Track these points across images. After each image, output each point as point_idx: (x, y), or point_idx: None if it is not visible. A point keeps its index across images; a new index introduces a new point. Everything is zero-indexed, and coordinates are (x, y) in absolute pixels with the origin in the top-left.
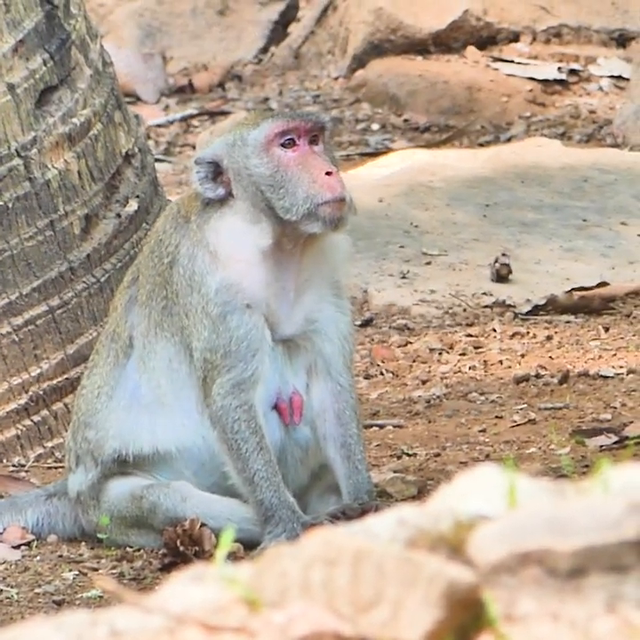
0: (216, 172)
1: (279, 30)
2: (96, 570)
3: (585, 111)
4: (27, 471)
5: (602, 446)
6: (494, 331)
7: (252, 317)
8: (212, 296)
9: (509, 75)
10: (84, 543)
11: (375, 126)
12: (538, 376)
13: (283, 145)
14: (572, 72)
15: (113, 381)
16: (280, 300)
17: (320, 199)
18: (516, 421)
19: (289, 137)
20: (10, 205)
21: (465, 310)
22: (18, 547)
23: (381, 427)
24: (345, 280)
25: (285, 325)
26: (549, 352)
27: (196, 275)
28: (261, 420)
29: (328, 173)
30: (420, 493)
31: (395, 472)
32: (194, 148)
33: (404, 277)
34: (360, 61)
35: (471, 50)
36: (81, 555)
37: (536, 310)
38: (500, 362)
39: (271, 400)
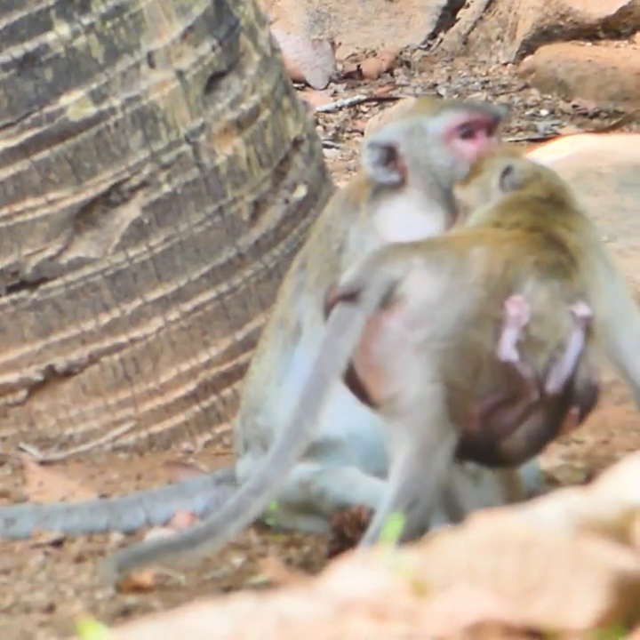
0: (389, 156)
1: (448, 16)
2: (264, 555)
3: None
4: (195, 457)
5: None
6: None
7: None
8: None
9: None
10: (252, 529)
11: (544, 112)
12: None
13: (463, 136)
14: None
15: (282, 367)
16: None
17: None
18: None
19: (469, 129)
20: (179, 192)
21: (633, 297)
22: None
23: None
24: None
25: None
26: None
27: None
28: None
29: None
30: (589, 480)
31: (563, 459)
32: (362, 134)
33: None
34: (529, 47)
35: None
36: (249, 540)
37: None
38: None
39: None
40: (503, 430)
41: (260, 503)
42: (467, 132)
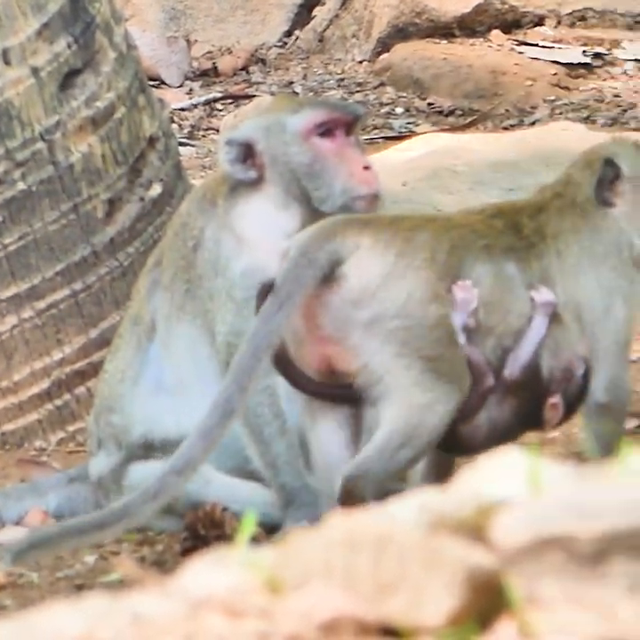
0: (247, 154)
1: (303, 14)
2: (117, 554)
3: (609, 95)
4: (48, 455)
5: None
6: None
7: None
8: (236, 280)
9: (534, 58)
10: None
11: (399, 110)
12: None
13: (321, 134)
14: (597, 56)
15: (136, 365)
16: None
17: (357, 193)
18: None
19: (328, 127)
20: (33, 189)
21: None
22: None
23: None
24: None
25: None
26: None
27: (222, 258)
28: (283, 404)
29: (366, 167)
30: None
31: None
32: (217, 131)
33: None
34: (384, 45)
35: (496, 33)
36: (101, 538)
37: None
38: None
39: None
40: (460, 416)
41: (180, 482)
42: (325, 130)
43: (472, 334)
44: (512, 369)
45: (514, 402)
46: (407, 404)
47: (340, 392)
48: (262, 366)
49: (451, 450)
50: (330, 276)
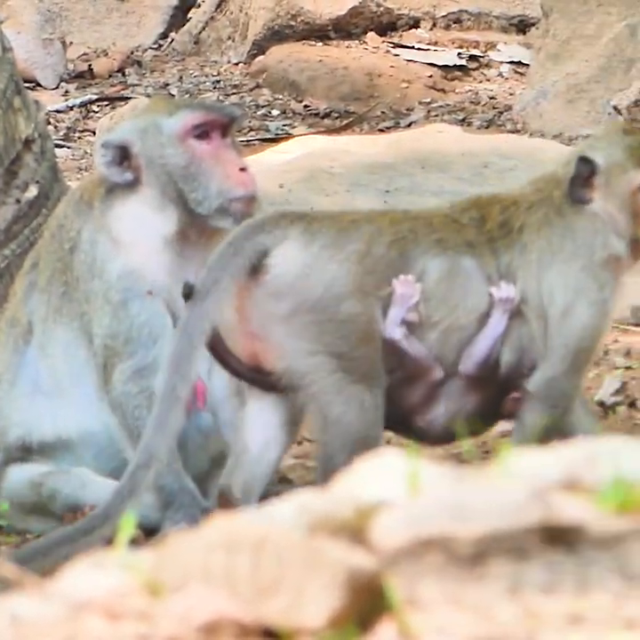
0: (123, 156)
1: (179, 16)
2: None
3: (485, 97)
4: None
5: (503, 432)
6: None
7: (154, 304)
8: (113, 282)
9: (409, 60)
10: None
11: (275, 112)
12: None
13: (198, 136)
14: (472, 58)
15: (14, 368)
16: (180, 287)
17: (233, 194)
18: None
19: (204, 129)
20: None
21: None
22: None
23: None
24: None
25: None
26: None
27: (98, 261)
28: None
29: (242, 169)
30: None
31: (295, 458)
32: (94, 133)
33: None
34: (260, 47)
35: (371, 36)
36: None
37: None
38: None
39: None
40: (412, 408)
41: (150, 474)
42: (202, 132)
43: (415, 328)
44: (466, 364)
45: (473, 396)
46: (325, 410)
47: (271, 381)
48: (199, 353)
49: (421, 440)
50: (257, 268)
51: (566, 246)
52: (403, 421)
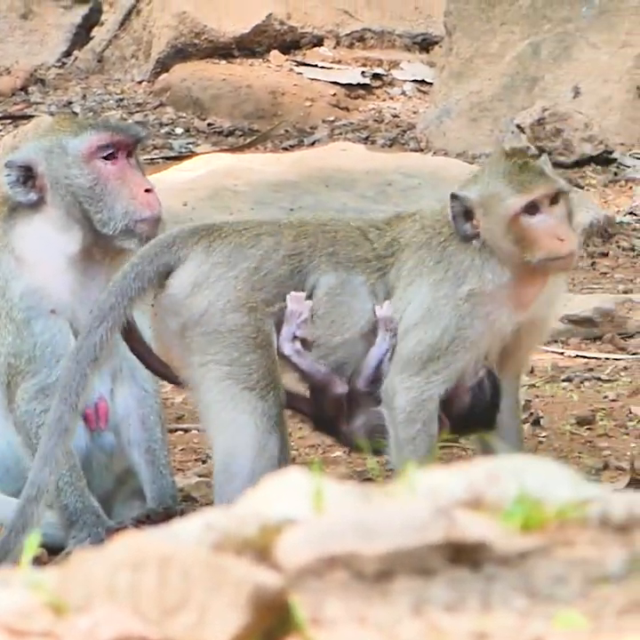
0: (27, 176)
1: (83, 34)
2: None
3: (388, 115)
4: None
5: None
6: None
7: (57, 323)
8: (16, 301)
9: (313, 79)
10: None
11: (179, 130)
12: None
13: (103, 157)
14: (376, 76)
15: None
16: (86, 308)
17: (138, 216)
18: None
19: (109, 150)
20: None
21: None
22: None
23: (186, 431)
24: None
25: None
26: None
27: (1, 279)
28: None
29: (147, 190)
30: None
31: (199, 476)
32: None
33: None
34: (164, 65)
35: (275, 54)
36: None
37: None
38: None
39: None
40: (331, 418)
41: (41, 507)
42: (107, 153)
43: (308, 345)
44: (358, 381)
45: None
46: (218, 417)
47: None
48: (89, 381)
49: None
50: (163, 287)
51: (436, 272)
52: (331, 427)
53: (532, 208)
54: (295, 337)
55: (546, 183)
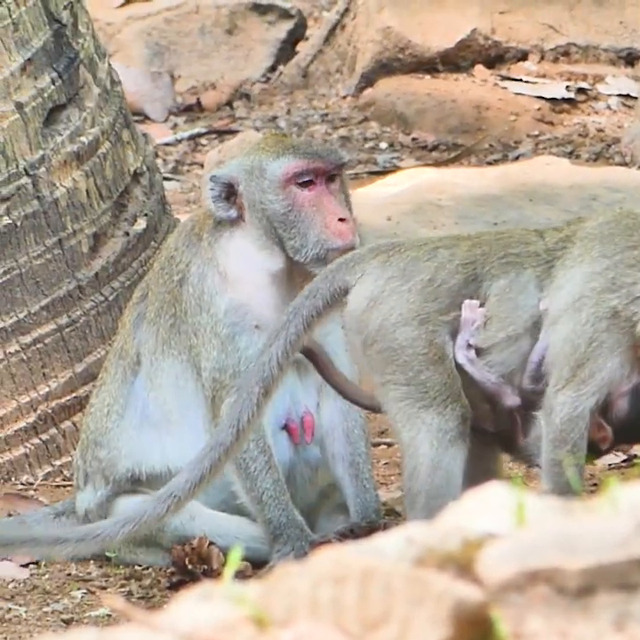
0: (230, 192)
1: (287, 49)
2: (104, 588)
3: (593, 130)
4: (35, 490)
5: (610, 465)
6: None
7: (261, 338)
8: (221, 316)
9: (517, 93)
10: (92, 562)
11: (383, 145)
12: None
13: (300, 184)
14: (581, 91)
15: (122, 399)
16: None
17: (330, 245)
18: None
19: (307, 177)
20: (18, 224)
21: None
22: (26, 565)
23: (389, 445)
24: None
25: None
26: None
27: (206, 294)
28: (270, 440)
29: (341, 219)
30: None
31: (403, 490)
32: (202, 166)
33: None
34: (368, 80)
35: (479, 68)
36: (89, 573)
37: None
38: None
39: (281, 420)
40: (507, 433)
41: (215, 463)
42: (305, 180)
43: (482, 353)
44: (523, 380)
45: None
46: (399, 437)
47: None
48: (261, 401)
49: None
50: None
51: (596, 263)
52: (508, 443)
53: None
54: (469, 345)
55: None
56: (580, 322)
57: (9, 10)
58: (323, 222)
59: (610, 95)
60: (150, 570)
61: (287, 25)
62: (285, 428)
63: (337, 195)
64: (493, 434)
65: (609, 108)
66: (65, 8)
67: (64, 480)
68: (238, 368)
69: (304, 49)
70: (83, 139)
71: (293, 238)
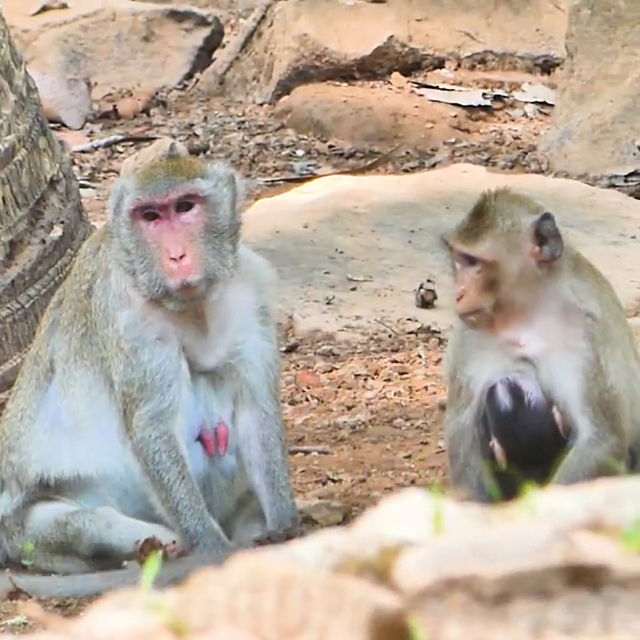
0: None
1: (204, 56)
2: (21, 596)
3: (509, 137)
4: None
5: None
6: (419, 356)
7: (165, 349)
8: (122, 332)
9: (434, 101)
10: (8, 569)
11: (300, 152)
12: None
13: (146, 217)
14: (497, 98)
15: (35, 404)
16: (194, 334)
17: (166, 284)
18: (441, 447)
19: (150, 210)
20: None
21: (390, 336)
22: None
23: (306, 453)
24: (273, 306)
25: (207, 357)
26: None
27: (109, 308)
28: (183, 450)
29: (174, 258)
30: (346, 519)
31: (320, 498)
32: (118, 173)
33: (329, 303)
34: (285, 87)
35: (396, 76)
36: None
37: None
38: (425, 388)
39: (194, 431)
40: None
41: None
42: (149, 213)
43: None
44: None
45: None
46: None
47: None
48: None
49: None
50: None
51: None
52: None
53: None
54: None
55: None
56: None
57: None
58: (160, 260)
59: (526, 103)
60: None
61: (204, 32)
62: (199, 439)
63: (182, 228)
64: None
65: (525, 115)
66: None
67: None
68: (144, 380)
69: (221, 56)
70: None
71: (138, 274)
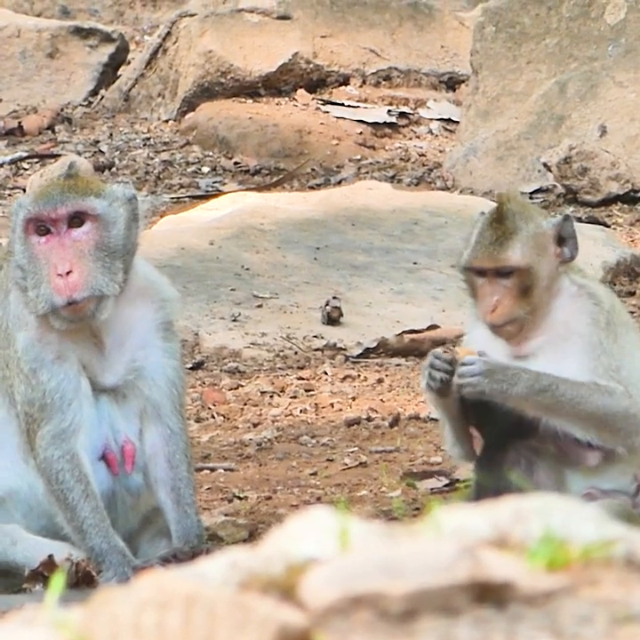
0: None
1: (109, 73)
2: None
3: (415, 154)
4: None
5: (432, 489)
6: (325, 373)
7: (63, 368)
8: (20, 353)
9: (339, 118)
10: None
11: (205, 169)
12: (369, 419)
13: (38, 231)
14: (402, 115)
15: None
16: (92, 352)
17: (52, 301)
18: (347, 464)
19: (40, 224)
20: None
21: (296, 353)
22: None
23: (212, 470)
24: (175, 323)
25: (106, 375)
26: (380, 395)
27: (9, 328)
28: (87, 468)
29: (61, 274)
30: (252, 537)
31: (225, 515)
32: (24, 190)
33: (235, 320)
34: (190, 104)
35: (301, 93)
36: None
37: (367, 353)
38: (332, 405)
39: (98, 449)
40: None
41: None
42: (40, 227)
43: None
44: None
45: None
46: None
47: None
48: None
49: None
50: None
51: None
52: None
53: None
54: None
55: None
56: None
57: None
58: (48, 277)
59: (431, 119)
60: None
61: (109, 49)
62: (103, 457)
63: (72, 245)
64: None
65: (430, 132)
66: None
67: None
68: (44, 400)
69: (126, 73)
70: None
71: (29, 291)
